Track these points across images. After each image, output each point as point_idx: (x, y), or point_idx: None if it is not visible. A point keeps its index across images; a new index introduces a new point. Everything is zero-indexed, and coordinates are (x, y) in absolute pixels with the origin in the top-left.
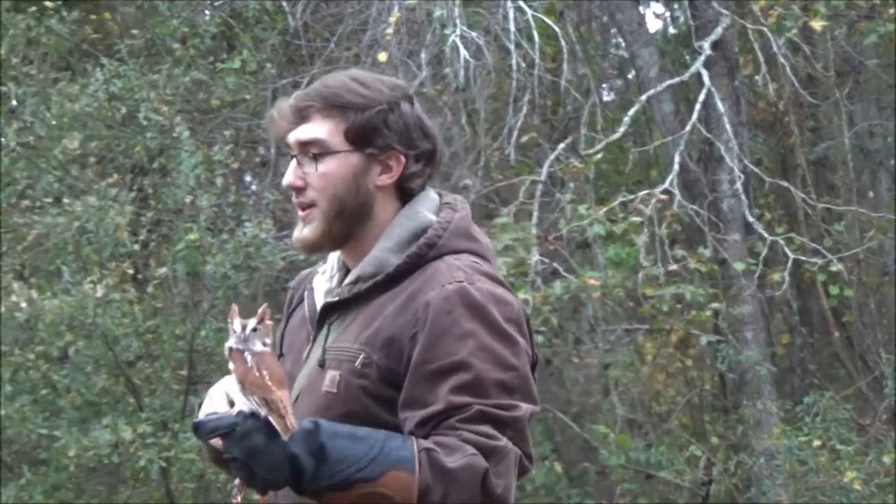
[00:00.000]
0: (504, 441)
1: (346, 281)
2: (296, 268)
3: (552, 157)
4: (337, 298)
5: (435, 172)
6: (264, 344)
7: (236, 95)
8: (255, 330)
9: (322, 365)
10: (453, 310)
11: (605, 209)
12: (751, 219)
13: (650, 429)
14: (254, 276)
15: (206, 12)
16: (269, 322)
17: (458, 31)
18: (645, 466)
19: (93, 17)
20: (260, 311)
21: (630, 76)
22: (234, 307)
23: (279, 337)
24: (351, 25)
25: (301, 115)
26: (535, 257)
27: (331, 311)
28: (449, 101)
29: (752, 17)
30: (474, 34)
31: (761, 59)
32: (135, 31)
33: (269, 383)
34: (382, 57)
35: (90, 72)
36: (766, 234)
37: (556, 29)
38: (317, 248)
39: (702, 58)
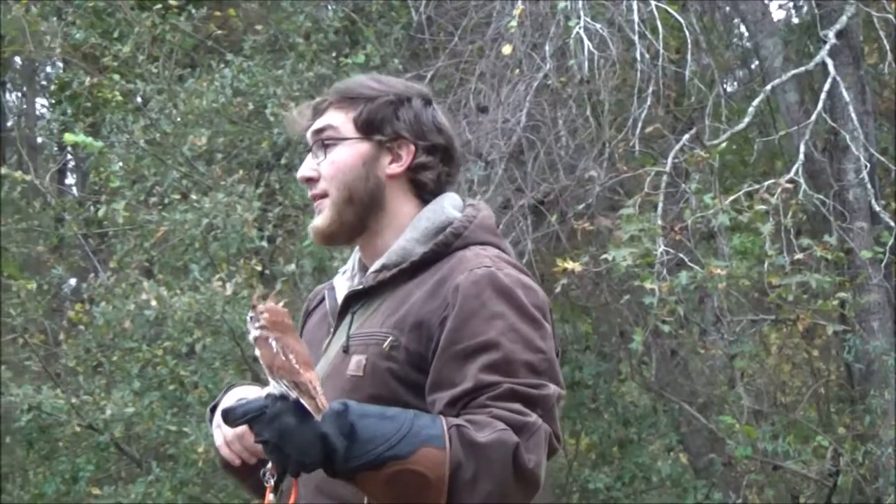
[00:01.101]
0: (534, 417)
1: (371, 269)
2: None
3: (677, 147)
4: (361, 287)
5: (453, 172)
6: (259, 329)
7: None
8: (251, 318)
9: (346, 350)
10: (482, 293)
11: (730, 199)
12: (877, 208)
13: (776, 420)
14: None
15: (329, 7)
16: (261, 307)
17: (581, 23)
18: (772, 457)
19: (217, 13)
20: (253, 298)
21: (753, 66)
22: (255, 295)
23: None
24: (475, 19)
25: (317, 111)
26: (660, 248)
27: (354, 301)
28: (573, 93)
29: (876, 4)
30: (598, 26)
31: (887, 47)
32: (258, 27)
33: (297, 366)
34: (506, 50)
35: (215, 68)
36: (892, 223)
37: (680, 19)
38: (330, 238)
39: (826, 47)
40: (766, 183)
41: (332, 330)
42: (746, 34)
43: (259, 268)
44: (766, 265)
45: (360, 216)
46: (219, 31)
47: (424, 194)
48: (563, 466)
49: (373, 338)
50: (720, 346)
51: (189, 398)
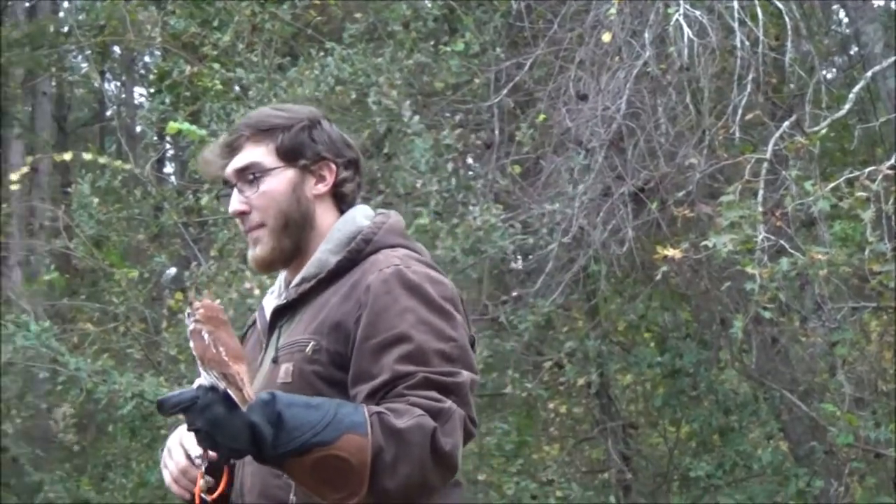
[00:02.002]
0: (449, 403)
1: (292, 284)
2: (523, 250)
3: (777, 134)
4: (285, 301)
5: (362, 181)
6: (194, 322)
7: (459, 78)
8: (188, 314)
9: (276, 361)
10: (392, 290)
11: (830, 185)
12: None
13: (878, 407)
14: (480, 259)
15: None
16: (197, 303)
17: (681, 11)
18: (873, 445)
19: (316, 2)
20: (190, 296)
21: (853, 53)
22: (191, 296)
23: None
24: (574, 6)
25: (232, 148)
26: (760, 234)
27: (280, 316)
28: (673, 81)
29: None
30: (697, 13)
31: None
32: (357, 16)
33: (226, 358)
34: (606, 37)
35: (314, 56)
36: None
37: (780, 6)
38: (271, 265)
39: None
40: (867, 170)
41: (263, 346)
42: (846, 20)
43: None
44: (866, 252)
45: (296, 238)
46: (318, 18)
47: (343, 205)
48: (663, 454)
49: (297, 345)
50: (821, 333)
51: None
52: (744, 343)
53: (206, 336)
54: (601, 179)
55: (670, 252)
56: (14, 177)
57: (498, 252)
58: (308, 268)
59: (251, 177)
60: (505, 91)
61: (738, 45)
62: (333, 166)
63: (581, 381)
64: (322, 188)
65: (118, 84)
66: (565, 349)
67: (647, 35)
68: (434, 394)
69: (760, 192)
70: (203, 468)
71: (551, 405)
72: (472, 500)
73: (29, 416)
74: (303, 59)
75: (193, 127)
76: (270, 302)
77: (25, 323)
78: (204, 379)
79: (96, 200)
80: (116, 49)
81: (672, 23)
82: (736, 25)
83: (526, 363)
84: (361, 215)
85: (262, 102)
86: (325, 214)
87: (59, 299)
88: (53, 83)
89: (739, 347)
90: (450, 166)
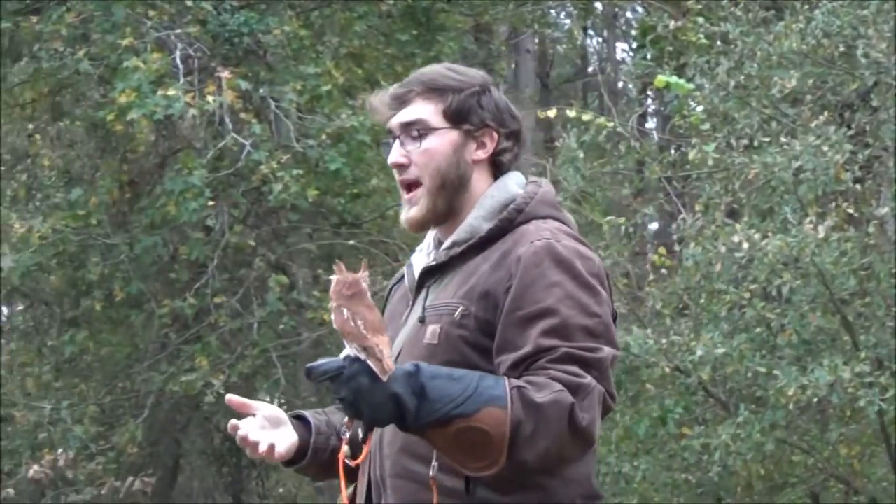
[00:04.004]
0: (588, 378)
1: (443, 247)
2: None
3: None
4: (435, 262)
5: (521, 152)
6: (333, 297)
7: None
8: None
9: (423, 321)
10: (542, 262)
11: None
12: None
13: None
14: None
15: None
16: (333, 277)
17: None
18: None
19: None
20: (336, 268)
21: None
22: (338, 264)
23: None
24: None
25: (402, 101)
26: None
27: (429, 276)
28: None
29: None
30: None
31: None
32: None
33: (365, 332)
34: None
35: (799, 10)
36: None
37: None
38: (424, 225)
39: None
40: None
41: (410, 303)
42: None
43: (850, 210)
44: None
45: (450, 201)
46: None
47: (499, 174)
48: None
49: (445, 308)
50: None
51: (778, 341)
52: None
53: (344, 311)
54: None
55: None
56: None
57: None
58: (459, 232)
59: (416, 132)
60: None
61: None
62: (496, 135)
63: None
64: (482, 154)
65: (600, 40)
66: None
67: None
68: (575, 368)
69: None
70: (347, 435)
71: None
72: None
73: None
74: (788, 13)
75: (682, 80)
76: (420, 259)
77: None
78: (349, 351)
79: (581, 155)
80: (599, 5)
81: None
82: None
83: None
84: (514, 183)
85: (748, 56)
86: (480, 180)
87: None
88: (536, 40)
89: None
90: None
